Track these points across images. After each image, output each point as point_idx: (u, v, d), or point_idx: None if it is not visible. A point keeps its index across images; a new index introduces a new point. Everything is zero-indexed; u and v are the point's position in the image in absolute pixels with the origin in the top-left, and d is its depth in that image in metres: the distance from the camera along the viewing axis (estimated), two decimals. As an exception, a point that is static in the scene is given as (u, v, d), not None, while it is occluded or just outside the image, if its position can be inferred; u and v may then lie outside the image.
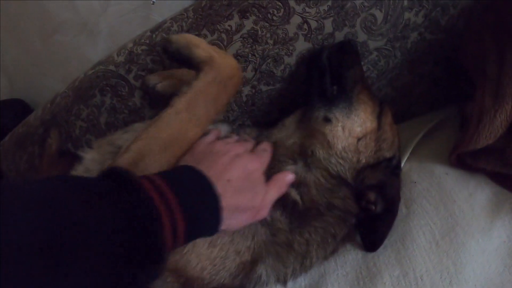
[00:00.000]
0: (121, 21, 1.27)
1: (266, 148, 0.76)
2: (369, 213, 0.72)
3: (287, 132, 0.80)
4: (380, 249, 0.73)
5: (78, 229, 0.43)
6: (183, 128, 0.68)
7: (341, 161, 0.74)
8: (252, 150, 0.75)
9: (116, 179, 0.49)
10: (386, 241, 0.73)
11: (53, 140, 1.08)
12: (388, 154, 0.76)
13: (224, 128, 0.81)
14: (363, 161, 0.74)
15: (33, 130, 1.11)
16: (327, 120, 0.76)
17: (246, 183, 0.63)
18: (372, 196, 0.72)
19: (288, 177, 0.72)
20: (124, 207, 0.47)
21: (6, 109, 1.57)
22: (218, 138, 0.75)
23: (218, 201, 0.56)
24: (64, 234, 0.41)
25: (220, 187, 0.57)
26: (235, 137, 0.78)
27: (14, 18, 1.45)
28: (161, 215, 0.48)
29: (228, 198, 0.58)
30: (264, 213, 0.67)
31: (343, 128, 0.75)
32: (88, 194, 0.47)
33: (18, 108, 1.57)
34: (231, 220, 0.60)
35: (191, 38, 0.75)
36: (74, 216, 0.43)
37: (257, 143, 0.78)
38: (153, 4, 1.15)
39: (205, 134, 0.73)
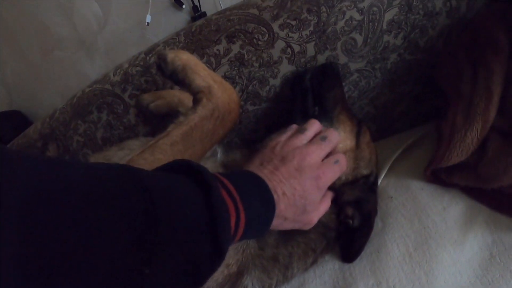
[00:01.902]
0: (118, 39, 1.32)
1: (339, 160, 0.71)
2: (347, 227, 0.76)
3: None
4: (356, 260, 0.76)
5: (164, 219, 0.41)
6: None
7: None
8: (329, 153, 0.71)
9: (189, 172, 0.49)
10: (362, 253, 0.77)
11: (51, 153, 1.12)
12: (365, 171, 0.80)
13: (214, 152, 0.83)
14: (343, 178, 0.79)
15: (32, 142, 1.14)
16: None
17: (299, 200, 0.62)
18: (349, 211, 0.76)
19: (332, 195, 0.73)
20: (198, 202, 0.46)
21: (4, 121, 1.61)
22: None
23: (274, 208, 0.57)
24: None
25: (275, 198, 0.58)
26: (315, 127, 0.73)
27: (14, 33, 1.49)
28: (229, 211, 0.48)
29: (279, 209, 0.59)
30: (310, 226, 0.68)
31: None
32: (166, 184, 0.45)
33: (16, 120, 1.61)
34: (277, 227, 0.62)
35: (188, 60, 0.72)
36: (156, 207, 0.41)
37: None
38: (147, 25, 1.19)
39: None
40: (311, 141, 0.71)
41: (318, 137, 0.71)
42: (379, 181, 0.87)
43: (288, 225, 0.64)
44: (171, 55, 0.72)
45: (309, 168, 0.65)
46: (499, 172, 0.77)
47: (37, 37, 1.44)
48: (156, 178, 0.46)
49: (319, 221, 0.74)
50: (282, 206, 0.59)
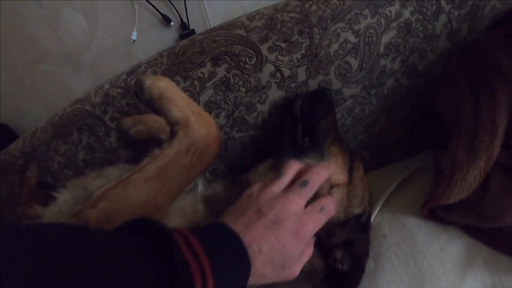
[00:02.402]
0: (104, 55, 1.30)
1: (325, 206, 0.65)
2: (335, 270, 0.71)
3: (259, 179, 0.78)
4: (346, 306, 0.71)
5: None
6: (151, 197, 0.63)
7: None
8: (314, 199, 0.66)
9: (150, 232, 0.47)
10: (352, 298, 0.71)
11: (32, 172, 1.08)
12: (357, 210, 0.75)
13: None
14: (335, 218, 0.72)
15: (14, 160, 1.11)
16: None
17: (278, 256, 0.58)
18: (339, 254, 0.70)
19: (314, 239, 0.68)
20: (158, 269, 0.43)
21: (-10, 134, 1.57)
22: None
23: (249, 267, 0.53)
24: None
25: (250, 255, 0.54)
26: (294, 167, 0.68)
27: (0, 45, 1.46)
28: (194, 277, 0.45)
29: (256, 267, 0.55)
30: (292, 278, 0.63)
31: None
32: (123, 248, 0.44)
33: (2, 133, 1.58)
34: (255, 284, 0.59)
35: (165, 88, 0.67)
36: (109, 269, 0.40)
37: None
38: (133, 42, 1.16)
39: None
40: (290, 187, 0.65)
41: (298, 182, 0.65)
42: (372, 218, 0.81)
43: (268, 281, 0.60)
44: (148, 81, 0.67)
45: (287, 220, 0.59)
46: (502, 212, 0.72)
47: (23, 50, 1.42)
48: (111, 241, 0.44)
49: (302, 271, 0.69)
50: (258, 264, 0.56)
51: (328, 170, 0.70)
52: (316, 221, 0.63)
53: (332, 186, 0.74)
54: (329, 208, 0.66)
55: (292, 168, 0.68)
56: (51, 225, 0.43)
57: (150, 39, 1.21)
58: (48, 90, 1.45)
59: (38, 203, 1.07)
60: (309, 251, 0.65)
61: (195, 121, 0.65)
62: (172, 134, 0.66)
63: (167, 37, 1.24)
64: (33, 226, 0.41)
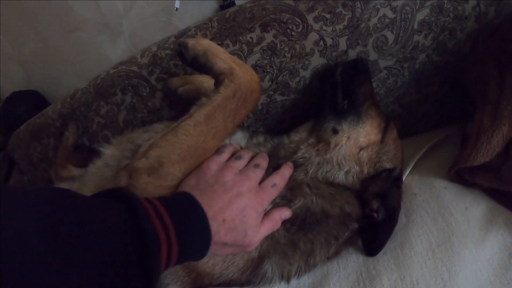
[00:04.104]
0: (143, 24, 1.31)
1: (276, 183, 0.74)
2: (371, 220, 0.77)
3: (300, 137, 0.84)
4: (380, 254, 0.77)
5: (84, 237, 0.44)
6: (200, 140, 0.69)
7: (342, 168, 0.79)
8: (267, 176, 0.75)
9: (121, 200, 0.51)
10: (386, 247, 0.77)
11: (70, 133, 1.10)
12: (388, 165, 0.81)
13: (239, 136, 0.83)
14: (365, 171, 0.79)
15: (50, 122, 1.14)
16: (335, 131, 0.80)
17: (240, 225, 0.65)
18: (375, 204, 0.76)
19: (284, 213, 0.74)
20: (128, 230, 0.48)
21: (22, 100, 1.60)
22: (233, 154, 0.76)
23: (210, 238, 0.59)
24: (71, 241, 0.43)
25: (214, 226, 0.60)
26: (249, 154, 0.77)
27: (35, 12, 1.47)
28: (161, 243, 0.51)
29: (219, 236, 0.61)
30: (252, 248, 0.70)
31: (348, 138, 0.80)
32: (96, 212, 0.48)
33: (34, 100, 1.60)
34: (216, 252, 0.66)
35: (209, 45, 0.73)
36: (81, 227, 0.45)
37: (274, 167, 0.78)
38: (176, 10, 1.19)
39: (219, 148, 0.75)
40: (247, 166, 0.74)
41: (251, 164, 0.75)
42: (403, 178, 0.87)
43: (228, 250, 0.68)
44: (191, 41, 0.73)
45: (248, 194, 0.68)
46: (521, 176, 0.78)
47: (59, 18, 1.42)
48: (91, 205, 0.48)
49: (329, 214, 0.75)
50: (222, 233, 0.62)
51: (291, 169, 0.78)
52: (270, 195, 0.72)
53: (362, 148, 0.80)
54: (280, 184, 0.75)
55: (248, 154, 0.77)
56: (42, 189, 0.47)
57: (189, 9, 1.24)
58: (82, 58, 1.46)
59: (73, 164, 1.10)
60: (268, 227, 0.72)
61: (239, 70, 0.72)
62: (219, 83, 0.72)
63: (207, 8, 1.26)
64: (29, 191, 0.45)
